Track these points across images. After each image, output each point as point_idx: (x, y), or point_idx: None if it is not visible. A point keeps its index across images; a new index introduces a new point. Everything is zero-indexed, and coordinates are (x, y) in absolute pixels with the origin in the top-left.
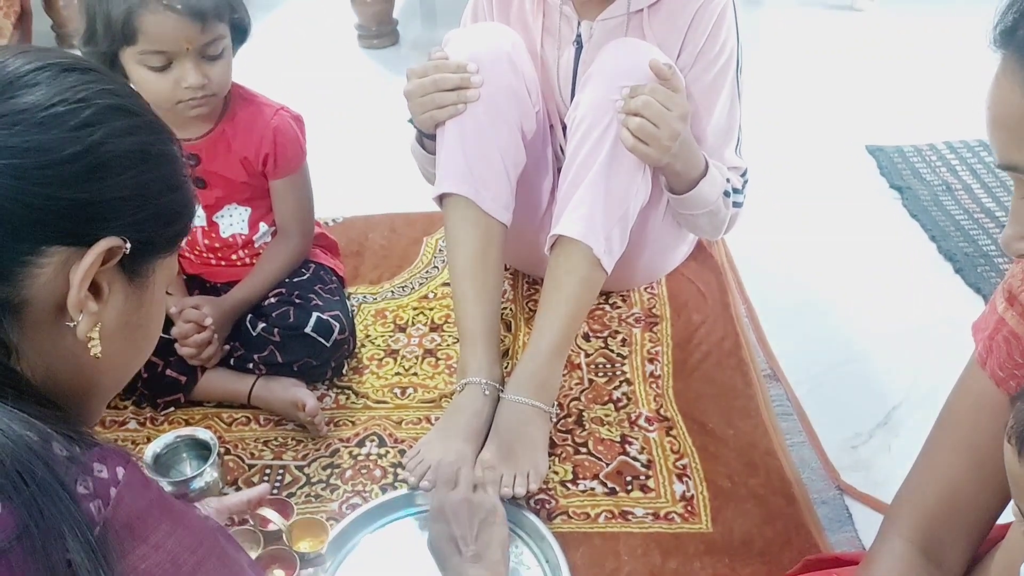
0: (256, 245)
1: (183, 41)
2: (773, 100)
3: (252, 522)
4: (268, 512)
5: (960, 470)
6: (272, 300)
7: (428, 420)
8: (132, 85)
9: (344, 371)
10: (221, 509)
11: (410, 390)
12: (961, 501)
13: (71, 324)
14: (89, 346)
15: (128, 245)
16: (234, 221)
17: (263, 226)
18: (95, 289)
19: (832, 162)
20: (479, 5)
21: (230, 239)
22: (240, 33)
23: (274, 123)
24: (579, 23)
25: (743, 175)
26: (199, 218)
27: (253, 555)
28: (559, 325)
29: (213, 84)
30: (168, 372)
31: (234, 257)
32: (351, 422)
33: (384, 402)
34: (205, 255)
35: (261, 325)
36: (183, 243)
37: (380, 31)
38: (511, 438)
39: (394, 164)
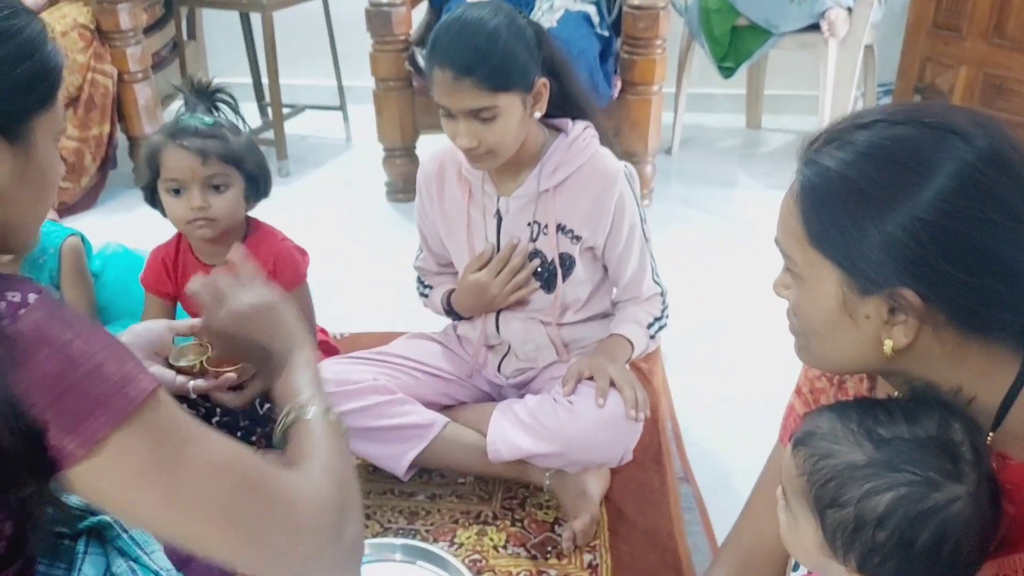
0: None
1: (188, 171)
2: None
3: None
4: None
5: (765, 519)
6: None
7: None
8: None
9: None
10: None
11: None
12: (766, 542)
13: None
14: None
15: None
16: None
17: None
18: None
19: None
20: (420, 187)
21: None
22: (253, 183)
23: (275, 250)
24: (498, 198)
25: (662, 297)
26: None
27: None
28: None
29: (213, 210)
30: None
31: None
32: None
33: None
34: None
35: (267, 405)
36: (60, 96)
37: (406, 187)
38: None
39: (407, 298)
